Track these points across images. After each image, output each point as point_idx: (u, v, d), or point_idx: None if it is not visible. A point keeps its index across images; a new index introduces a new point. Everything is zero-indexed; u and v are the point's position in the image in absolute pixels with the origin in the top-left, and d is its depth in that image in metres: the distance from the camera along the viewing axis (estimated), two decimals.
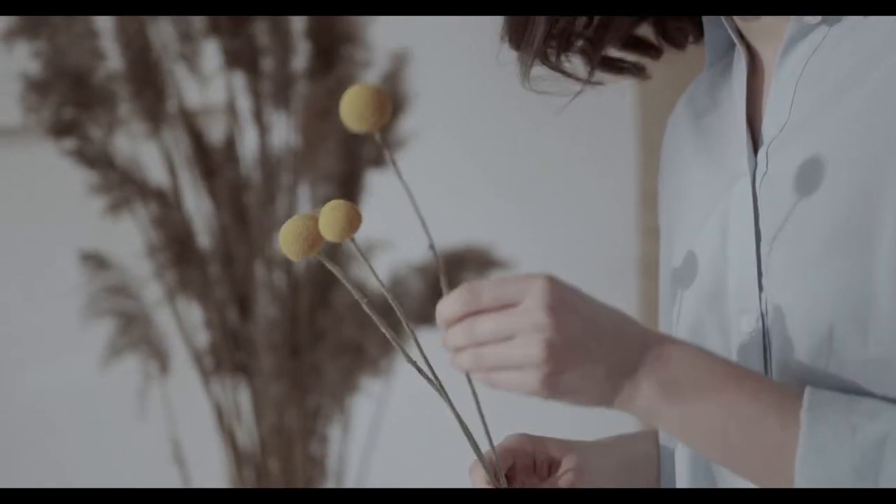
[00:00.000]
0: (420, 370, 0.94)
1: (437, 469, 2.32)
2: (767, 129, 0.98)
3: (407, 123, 2.42)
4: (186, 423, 2.51)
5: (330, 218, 0.89)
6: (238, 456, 2.45)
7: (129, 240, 2.40)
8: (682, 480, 1.04)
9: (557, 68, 1.04)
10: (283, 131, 2.39)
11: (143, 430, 2.51)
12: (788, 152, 0.96)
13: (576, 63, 1.07)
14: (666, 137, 1.12)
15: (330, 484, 2.48)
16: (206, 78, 2.36)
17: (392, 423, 2.54)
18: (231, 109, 2.40)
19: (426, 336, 2.71)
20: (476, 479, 1.02)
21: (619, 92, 1.16)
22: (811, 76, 0.96)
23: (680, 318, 1.03)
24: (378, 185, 2.43)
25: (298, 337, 2.38)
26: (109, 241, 2.44)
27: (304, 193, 2.39)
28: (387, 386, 2.47)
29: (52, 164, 2.35)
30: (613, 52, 1.08)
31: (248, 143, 2.41)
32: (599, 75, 1.07)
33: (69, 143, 2.31)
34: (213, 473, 2.48)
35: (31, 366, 2.91)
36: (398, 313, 0.92)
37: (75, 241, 2.49)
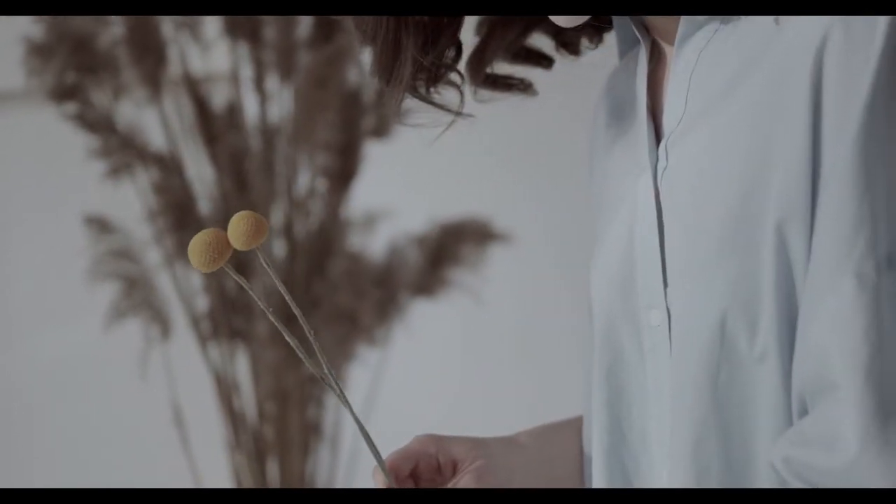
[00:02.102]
0: (322, 378, 0.94)
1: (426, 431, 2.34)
2: (667, 122, 0.99)
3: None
4: (187, 386, 2.53)
5: (237, 228, 0.90)
6: (235, 419, 2.48)
7: (129, 204, 2.42)
8: (599, 483, 1.04)
9: (428, 101, 1.04)
10: (285, 100, 2.39)
11: (145, 393, 2.54)
12: (685, 147, 0.96)
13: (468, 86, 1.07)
14: (592, 125, 1.13)
15: (325, 448, 2.50)
16: (207, 45, 2.36)
17: (388, 392, 2.56)
18: (234, 77, 2.40)
19: (422, 307, 2.73)
20: (376, 483, 1.03)
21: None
22: (704, 69, 0.96)
23: (594, 307, 1.04)
24: (377, 155, 2.44)
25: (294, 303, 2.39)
26: (110, 206, 2.46)
27: (303, 162, 2.40)
28: (383, 355, 2.48)
29: (53, 127, 2.36)
30: (501, 69, 1.08)
31: (250, 111, 2.42)
32: (471, 106, 1.07)
33: (71, 107, 2.33)
34: (213, 437, 2.51)
35: (36, 328, 2.94)
36: (300, 319, 0.92)
37: (77, 205, 2.51)
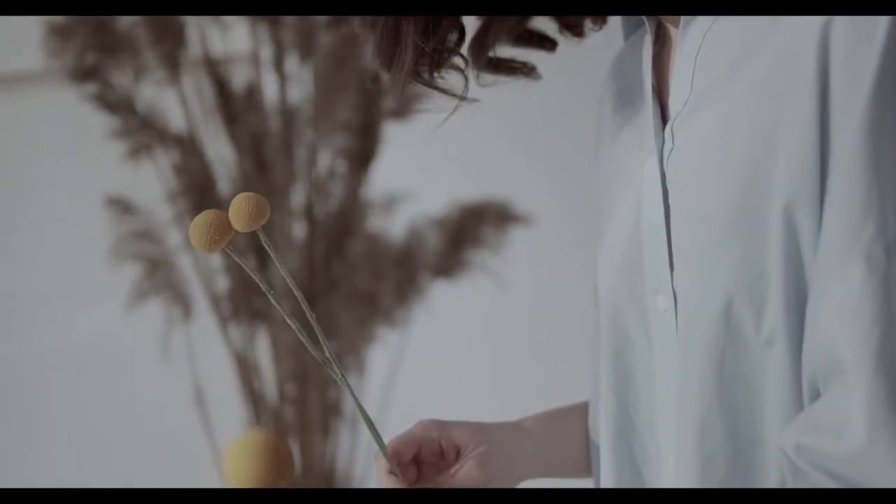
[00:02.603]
0: (323, 362, 0.94)
1: (447, 413, 2.34)
2: (673, 104, 0.98)
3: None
4: (208, 367, 2.54)
5: (239, 209, 0.90)
6: (256, 400, 2.48)
7: (149, 186, 2.42)
8: (607, 469, 1.03)
9: (432, 86, 1.03)
10: (304, 81, 2.38)
11: (166, 373, 2.55)
12: (691, 129, 0.95)
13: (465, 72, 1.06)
14: (598, 109, 1.11)
15: (346, 429, 2.50)
16: (226, 26, 2.36)
17: (409, 373, 2.55)
18: (253, 58, 2.40)
19: (442, 288, 2.72)
20: (378, 468, 1.03)
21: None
22: (710, 49, 0.95)
23: (601, 292, 1.03)
24: (397, 136, 2.43)
25: (314, 285, 2.39)
26: (130, 187, 2.47)
27: (323, 143, 2.39)
28: (404, 336, 2.48)
29: (73, 108, 2.37)
30: (504, 53, 1.07)
31: (270, 93, 2.41)
32: (475, 91, 1.06)
33: (91, 87, 2.33)
34: (234, 417, 2.51)
35: (58, 309, 2.95)
36: (301, 303, 0.92)
37: (97, 186, 2.51)
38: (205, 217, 0.89)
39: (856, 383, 0.84)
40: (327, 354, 0.93)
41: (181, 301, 2.50)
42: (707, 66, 0.95)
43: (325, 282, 2.39)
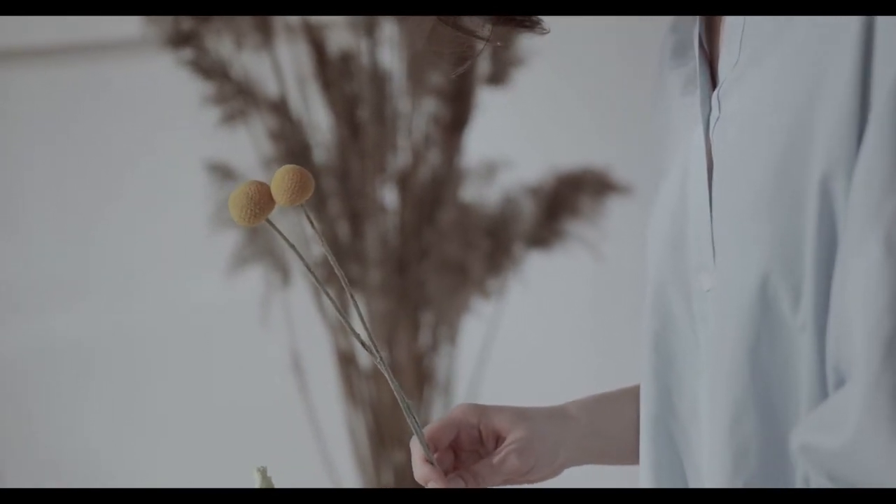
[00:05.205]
0: (363, 343, 0.91)
1: (542, 387, 2.30)
2: (722, 69, 0.92)
3: (526, 42, 2.36)
4: (306, 333, 2.54)
5: (282, 182, 0.86)
6: (349, 368, 2.48)
7: (244, 152, 2.42)
8: (645, 454, 0.98)
9: (457, 26, 0.97)
10: (399, 46, 2.36)
11: (266, 340, 2.56)
12: (737, 95, 0.89)
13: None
14: (656, 68, 1.05)
15: (439, 396, 2.49)
16: None
17: (503, 345, 2.53)
18: (349, 23, 2.38)
19: (536, 260, 2.68)
20: (414, 455, 0.99)
21: None
22: None
23: (650, 270, 0.98)
24: (492, 103, 2.39)
25: (406, 252, 2.37)
26: (226, 153, 2.47)
27: (416, 110, 2.37)
28: (498, 307, 2.45)
29: (170, 74, 2.37)
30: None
31: (365, 58, 2.39)
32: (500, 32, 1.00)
33: (186, 53, 2.33)
34: (330, 384, 2.51)
35: (160, 277, 2.98)
36: (342, 281, 0.89)
37: (194, 153, 2.52)
38: (246, 188, 0.86)
39: (861, 377, 0.77)
40: (364, 337, 0.90)
41: (280, 268, 2.50)
42: (757, 28, 0.88)
43: (417, 250, 2.37)
